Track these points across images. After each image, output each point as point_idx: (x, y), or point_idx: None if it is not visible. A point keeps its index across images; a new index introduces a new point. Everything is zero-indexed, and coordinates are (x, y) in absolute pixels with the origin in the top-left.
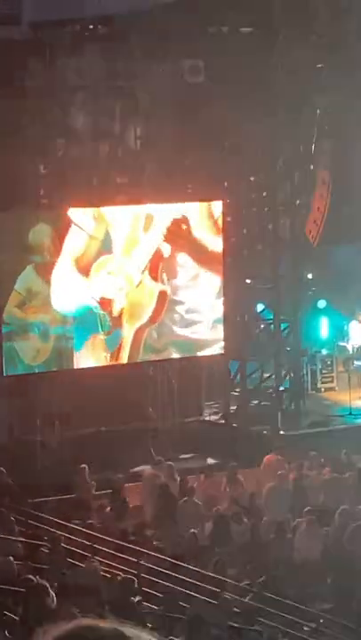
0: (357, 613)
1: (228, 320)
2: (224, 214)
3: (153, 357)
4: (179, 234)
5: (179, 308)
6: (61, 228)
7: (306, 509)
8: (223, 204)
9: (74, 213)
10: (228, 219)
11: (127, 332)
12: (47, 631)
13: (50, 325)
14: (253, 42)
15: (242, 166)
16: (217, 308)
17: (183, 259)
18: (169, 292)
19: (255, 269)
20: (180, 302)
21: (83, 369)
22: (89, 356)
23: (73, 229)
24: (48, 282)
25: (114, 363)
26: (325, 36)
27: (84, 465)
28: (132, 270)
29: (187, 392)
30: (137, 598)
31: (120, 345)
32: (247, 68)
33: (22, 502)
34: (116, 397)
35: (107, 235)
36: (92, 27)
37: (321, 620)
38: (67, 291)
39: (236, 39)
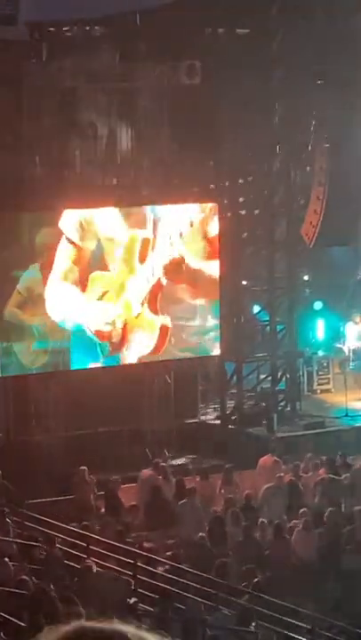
0: (353, 615)
1: (224, 321)
2: (220, 216)
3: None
4: (176, 270)
5: (179, 335)
6: (56, 233)
7: (301, 511)
8: (219, 205)
9: (63, 222)
10: (225, 220)
11: (129, 360)
12: (50, 631)
13: (48, 330)
14: (250, 43)
15: (238, 167)
16: (213, 312)
17: (182, 291)
18: (170, 325)
19: (251, 271)
20: (181, 329)
21: (79, 370)
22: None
23: (63, 238)
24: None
25: (110, 364)
26: (323, 37)
27: (83, 467)
28: (130, 299)
29: (183, 393)
30: (132, 600)
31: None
32: (244, 69)
33: (19, 503)
34: (113, 398)
35: (98, 246)
36: (88, 27)
37: (317, 622)
38: (61, 301)
39: (232, 40)
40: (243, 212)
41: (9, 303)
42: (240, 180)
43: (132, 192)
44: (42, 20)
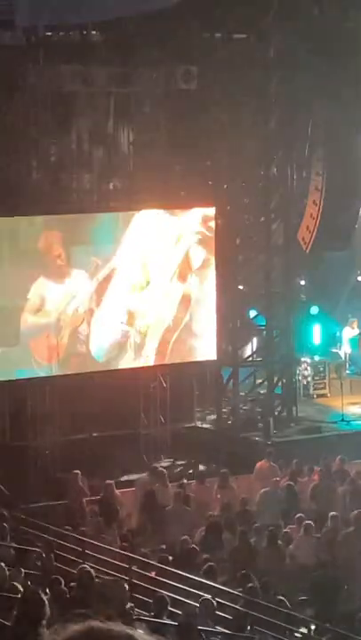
0: (347, 619)
1: (220, 326)
2: (217, 220)
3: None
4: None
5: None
6: (70, 237)
7: (297, 515)
8: (216, 210)
9: (119, 261)
10: (221, 225)
11: (153, 344)
12: (60, 631)
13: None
14: (247, 48)
15: (235, 172)
16: (211, 315)
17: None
18: (194, 293)
19: (248, 275)
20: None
21: (74, 375)
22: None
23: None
24: (59, 287)
25: (106, 369)
26: (319, 41)
27: (77, 471)
28: (159, 279)
29: (179, 398)
30: (128, 604)
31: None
32: (241, 73)
33: (14, 508)
34: (109, 403)
35: (146, 277)
36: (85, 32)
37: (312, 626)
38: (103, 336)
39: (229, 45)
40: (239, 217)
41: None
42: (237, 185)
43: (128, 197)
44: (38, 25)
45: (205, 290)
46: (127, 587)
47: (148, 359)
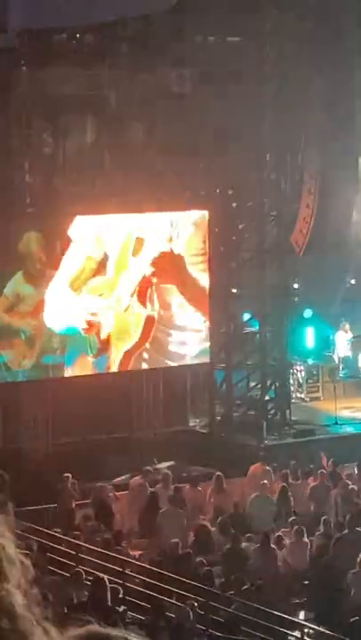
0: (341, 622)
1: (214, 329)
2: (210, 223)
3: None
4: (166, 266)
5: (167, 332)
6: (54, 239)
7: (291, 519)
8: (210, 213)
9: (73, 231)
10: (215, 228)
11: (115, 356)
12: (58, 634)
13: (36, 334)
14: (241, 51)
15: (228, 176)
16: (203, 319)
17: (171, 288)
18: (156, 317)
19: (241, 279)
20: (169, 327)
21: (67, 378)
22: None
23: (72, 246)
24: (36, 289)
25: (99, 371)
26: (314, 44)
27: (67, 474)
28: (121, 293)
29: (172, 401)
30: (122, 608)
31: (108, 367)
32: (234, 77)
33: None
34: (102, 406)
35: (104, 256)
36: (78, 35)
37: (305, 630)
38: (59, 308)
39: (222, 49)
40: (232, 220)
41: None
42: (230, 188)
43: (120, 199)
44: (31, 28)
45: (197, 293)
46: (121, 590)
47: (137, 348)
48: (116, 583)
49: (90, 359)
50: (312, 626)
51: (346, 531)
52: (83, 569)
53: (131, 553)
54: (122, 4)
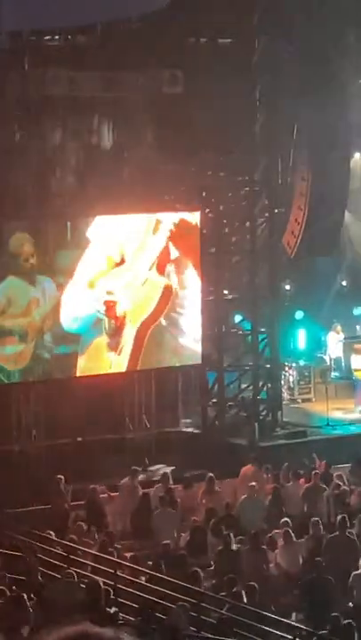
0: (332, 624)
1: (205, 331)
2: (202, 225)
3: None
4: (182, 234)
5: (179, 311)
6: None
7: (283, 520)
8: (201, 214)
9: (92, 233)
10: (206, 230)
11: (130, 332)
12: (54, 633)
13: (29, 336)
14: (232, 52)
15: (220, 177)
16: (196, 319)
17: (187, 262)
18: (174, 287)
19: (233, 280)
20: (181, 305)
21: (59, 379)
22: (91, 359)
23: (90, 247)
24: (29, 290)
25: (88, 374)
26: (304, 46)
27: (60, 476)
28: (138, 269)
29: (164, 402)
30: (113, 609)
31: (121, 349)
32: (226, 78)
33: None
34: (93, 407)
35: (121, 252)
36: (70, 37)
37: (297, 632)
38: (76, 308)
39: (214, 50)
40: (224, 221)
41: None
42: (221, 190)
43: (113, 200)
44: (23, 29)
45: (190, 294)
46: (112, 591)
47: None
48: (108, 584)
49: (105, 339)
50: (305, 627)
51: (338, 532)
52: (75, 570)
53: (123, 554)
54: (114, 6)
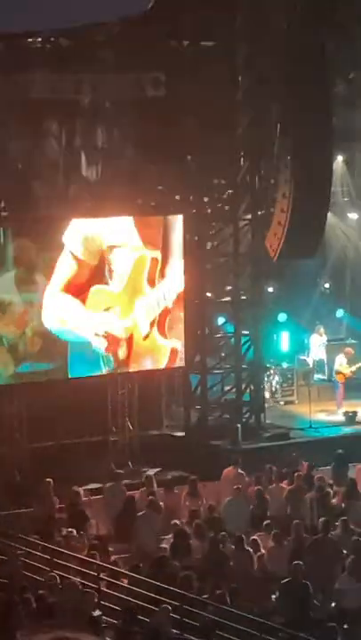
0: (314, 626)
1: (188, 333)
2: (185, 228)
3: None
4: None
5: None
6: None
7: (265, 523)
8: (184, 217)
9: (66, 235)
10: (189, 232)
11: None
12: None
13: (18, 341)
14: (214, 55)
15: (203, 180)
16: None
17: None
18: (179, 348)
19: (216, 283)
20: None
21: (42, 382)
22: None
23: (65, 251)
24: (20, 297)
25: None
26: (287, 49)
27: (49, 479)
28: (139, 320)
29: (147, 405)
30: (96, 612)
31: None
32: (209, 81)
33: None
34: (77, 410)
35: (100, 262)
36: (53, 39)
37: (280, 634)
38: (59, 311)
39: (197, 53)
40: (207, 224)
41: None
42: (204, 192)
43: (95, 203)
44: (5, 32)
45: (173, 296)
46: (96, 595)
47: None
48: (92, 588)
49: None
50: (287, 630)
51: (320, 534)
52: (58, 573)
53: (107, 557)
54: (97, 8)
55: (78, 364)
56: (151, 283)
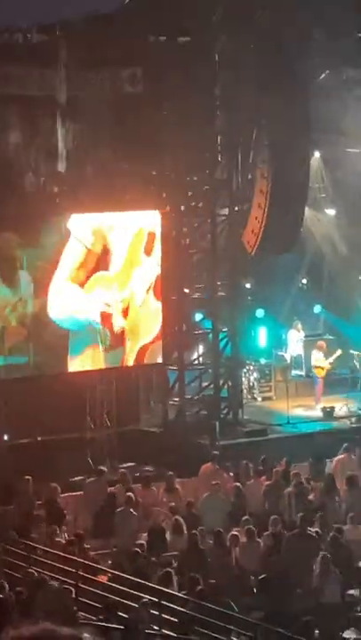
0: (292, 621)
1: (166, 329)
2: (162, 223)
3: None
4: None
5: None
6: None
7: (243, 518)
8: (161, 213)
9: (72, 225)
10: (166, 228)
11: (131, 349)
12: (8, 633)
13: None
14: (192, 51)
15: (180, 175)
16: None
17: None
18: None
19: (194, 279)
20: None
21: (20, 378)
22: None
23: (71, 241)
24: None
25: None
26: (264, 45)
27: (28, 477)
28: (135, 288)
29: (125, 401)
30: (74, 608)
31: (123, 360)
32: (186, 76)
33: None
34: (54, 406)
35: (104, 250)
36: (29, 35)
37: (258, 629)
38: (63, 302)
39: (174, 48)
40: (184, 220)
41: None
42: (182, 188)
43: (73, 199)
44: None
45: (151, 293)
46: (74, 591)
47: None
48: (69, 584)
49: (101, 352)
50: (264, 624)
51: (298, 529)
52: (35, 570)
53: (86, 553)
54: (73, 3)
55: (77, 345)
56: (148, 253)
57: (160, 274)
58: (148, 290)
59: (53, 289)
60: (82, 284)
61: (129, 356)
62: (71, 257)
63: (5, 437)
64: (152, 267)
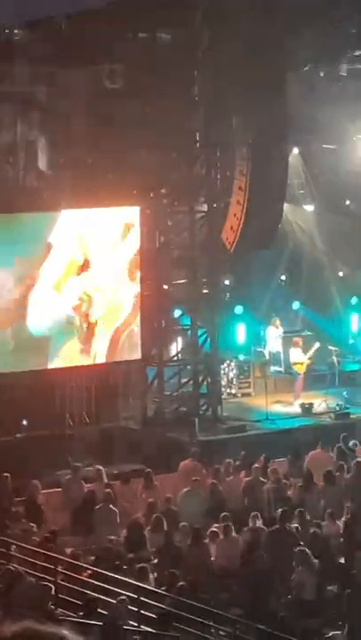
0: (272, 617)
1: (145, 325)
2: (141, 220)
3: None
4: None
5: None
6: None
7: (222, 515)
8: (141, 209)
9: (54, 237)
10: (145, 225)
11: (103, 339)
12: None
13: None
14: (173, 47)
15: (159, 172)
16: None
17: None
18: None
19: (172, 275)
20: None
21: None
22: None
23: (52, 251)
24: None
25: (34, 369)
26: (244, 42)
27: (6, 474)
28: (109, 275)
29: (104, 397)
30: (53, 605)
31: (94, 352)
32: (166, 73)
33: None
34: (33, 403)
35: (85, 257)
36: (8, 31)
37: (237, 625)
38: (44, 312)
39: (154, 45)
40: (163, 216)
41: None
42: (161, 185)
43: (53, 195)
44: None
45: (130, 289)
46: (53, 588)
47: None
48: (48, 581)
49: (79, 346)
50: (243, 621)
51: (277, 526)
52: (13, 566)
53: (63, 550)
54: (54, 0)
55: (56, 343)
56: (122, 237)
57: (137, 260)
58: (122, 273)
59: (33, 301)
60: (58, 288)
61: (103, 342)
62: (52, 269)
63: None
64: (125, 251)
